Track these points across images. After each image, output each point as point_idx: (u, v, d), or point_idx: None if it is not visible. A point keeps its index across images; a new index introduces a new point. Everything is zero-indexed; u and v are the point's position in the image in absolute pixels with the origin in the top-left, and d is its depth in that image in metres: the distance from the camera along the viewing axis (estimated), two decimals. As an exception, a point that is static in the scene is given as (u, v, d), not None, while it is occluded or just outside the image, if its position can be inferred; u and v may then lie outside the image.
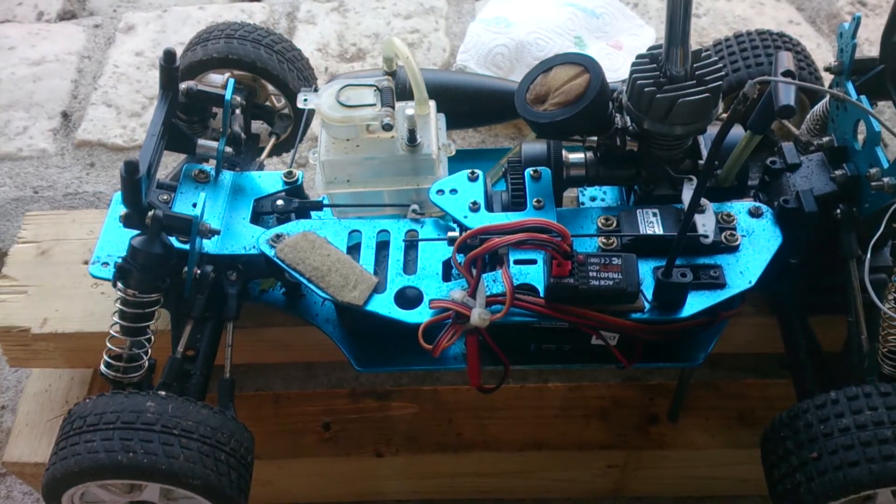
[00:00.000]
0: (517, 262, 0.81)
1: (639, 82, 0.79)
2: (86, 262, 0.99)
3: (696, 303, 0.79)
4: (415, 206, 0.91)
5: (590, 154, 0.90)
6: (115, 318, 0.84)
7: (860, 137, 0.82)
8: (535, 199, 0.85)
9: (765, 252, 0.82)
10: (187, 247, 0.84)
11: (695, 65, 0.78)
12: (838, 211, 0.84)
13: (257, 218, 0.93)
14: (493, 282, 0.80)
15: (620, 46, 1.55)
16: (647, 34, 1.59)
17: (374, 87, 0.91)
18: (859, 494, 0.73)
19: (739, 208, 0.85)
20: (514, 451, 0.99)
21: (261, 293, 0.94)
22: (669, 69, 0.77)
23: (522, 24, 1.52)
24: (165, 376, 0.84)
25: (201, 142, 0.94)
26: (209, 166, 0.95)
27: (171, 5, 1.77)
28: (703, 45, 0.78)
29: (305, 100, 0.93)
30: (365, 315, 0.82)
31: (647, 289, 0.79)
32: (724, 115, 0.68)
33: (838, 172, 0.84)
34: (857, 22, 0.83)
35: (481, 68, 1.48)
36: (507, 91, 1.08)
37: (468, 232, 0.78)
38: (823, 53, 1.59)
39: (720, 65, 0.80)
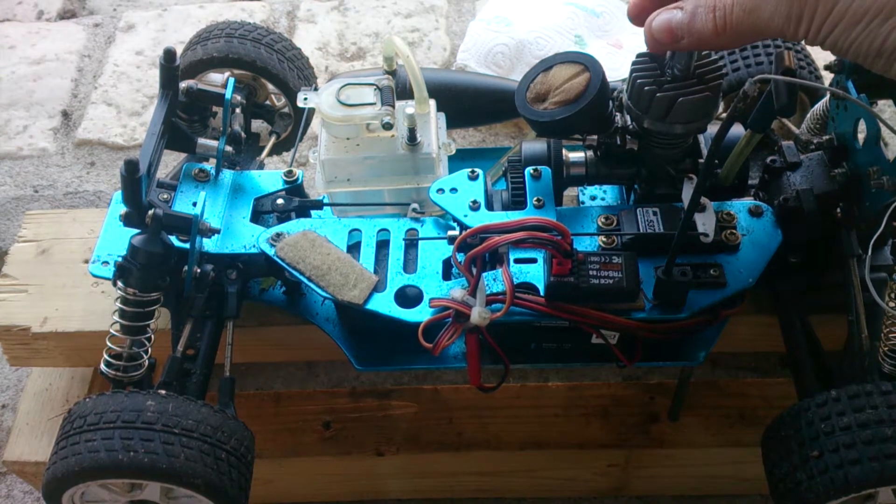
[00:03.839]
0: (517, 260, 0.81)
1: (639, 81, 0.79)
2: (86, 261, 0.99)
3: (696, 301, 0.79)
4: (415, 205, 0.91)
5: (590, 153, 0.90)
6: (116, 317, 0.84)
7: (860, 136, 0.82)
8: (535, 198, 0.85)
9: (765, 251, 0.82)
10: (187, 245, 0.84)
11: (695, 63, 0.78)
12: (839, 210, 0.84)
13: (257, 217, 0.93)
14: (494, 280, 0.80)
15: (621, 45, 1.55)
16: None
17: (374, 86, 0.91)
18: (860, 493, 0.73)
19: (739, 207, 0.85)
20: (514, 450, 0.99)
21: (261, 292, 0.94)
22: (673, 66, 0.77)
23: (523, 23, 1.52)
24: (165, 375, 0.84)
25: (201, 141, 0.94)
26: (209, 165, 0.95)
27: (172, 4, 1.77)
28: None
29: (305, 99, 0.93)
30: (365, 314, 0.82)
31: (648, 288, 0.79)
32: (725, 114, 0.68)
33: (838, 171, 0.84)
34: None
35: (482, 67, 1.48)
36: (507, 90, 1.08)
37: (468, 231, 0.78)
38: (823, 52, 1.59)
39: (720, 63, 0.80)
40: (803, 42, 0.64)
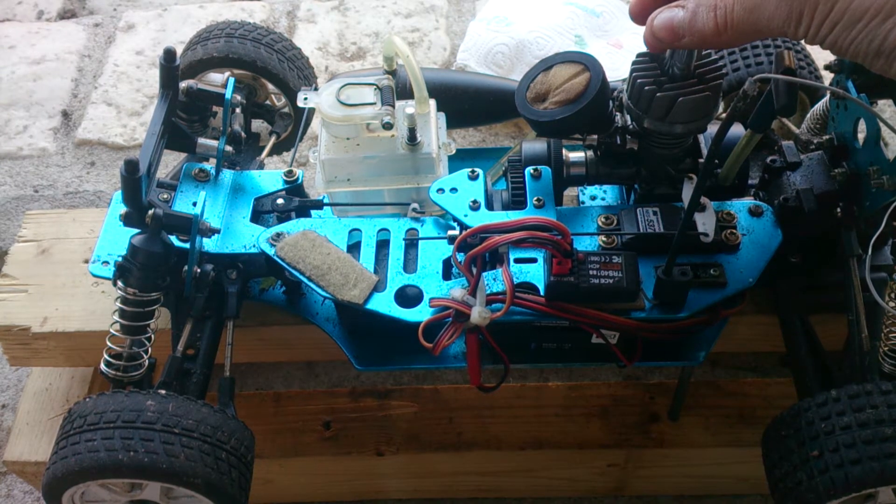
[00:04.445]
0: (517, 260, 0.81)
1: (639, 81, 0.79)
2: (86, 261, 0.99)
3: (696, 301, 0.79)
4: (415, 205, 0.91)
5: (590, 153, 0.90)
6: (116, 317, 0.84)
7: (860, 136, 0.82)
8: (535, 198, 0.85)
9: (765, 251, 0.82)
10: (187, 245, 0.84)
11: (695, 63, 0.78)
12: (839, 209, 0.84)
13: (257, 217, 0.93)
14: (494, 280, 0.80)
15: (621, 45, 1.55)
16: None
17: (375, 86, 0.91)
18: (860, 493, 0.73)
19: (740, 207, 0.85)
20: (514, 449, 0.99)
21: (261, 292, 0.94)
22: (673, 66, 0.77)
23: (523, 23, 1.52)
24: (165, 375, 0.84)
25: (201, 141, 0.94)
26: (209, 165, 0.95)
27: (172, 4, 1.77)
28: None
29: (305, 98, 0.93)
30: (365, 314, 0.82)
31: (648, 287, 0.79)
32: (725, 114, 0.68)
33: (838, 171, 0.84)
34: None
35: (481, 67, 1.48)
36: (507, 90, 1.08)
37: (468, 230, 0.78)
38: (823, 52, 1.59)
39: (720, 63, 0.80)
40: (803, 42, 0.64)
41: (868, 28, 0.60)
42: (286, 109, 1.13)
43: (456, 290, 0.77)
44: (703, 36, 0.67)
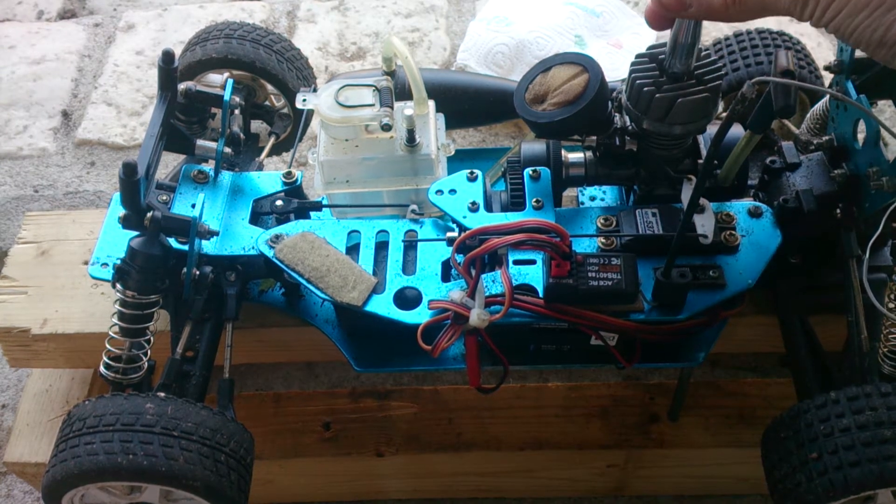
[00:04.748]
0: (516, 262, 0.81)
1: (638, 82, 0.79)
2: (86, 263, 0.99)
3: (695, 303, 0.79)
4: (414, 207, 0.91)
5: (589, 154, 0.90)
6: (115, 320, 0.84)
7: (860, 137, 0.82)
8: (534, 200, 0.85)
9: (764, 252, 0.82)
10: (186, 248, 0.84)
11: (694, 64, 0.78)
12: (838, 210, 0.83)
13: (256, 218, 0.93)
14: (493, 282, 0.79)
15: (620, 45, 1.55)
16: (647, 33, 1.59)
17: (373, 87, 0.91)
18: (859, 495, 0.73)
19: (739, 208, 0.85)
20: (514, 450, 0.99)
21: (260, 294, 0.94)
22: (674, 65, 0.77)
23: (523, 23, 1.52)
24: (165, 377, 0.84)
25: (200, 142, 0.94)
26: (208, 167, 0.95)
27: (171, 4, 1.77)
28: (703, 44, 0.77)
29: (304, 100, 0.93)
30: (364, 315, 0.82)
31: (647, 289, 0.79)
32: (724, 115, 0.68)
33: (838, 172, 0.84)
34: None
35: (481, 67, 1.48)
36: (506, 90, 1.08)
37: (467, 232, 0.78)
38: (824, 52, 1.59)
39: (720, 64, 0.80)
40: (809, 24, 0.64)
41: (871, 18, 0.59)
42: (285, 110, 1.13)
43: (455, 292, 0.77)
44: (710, 7, 0.66)
